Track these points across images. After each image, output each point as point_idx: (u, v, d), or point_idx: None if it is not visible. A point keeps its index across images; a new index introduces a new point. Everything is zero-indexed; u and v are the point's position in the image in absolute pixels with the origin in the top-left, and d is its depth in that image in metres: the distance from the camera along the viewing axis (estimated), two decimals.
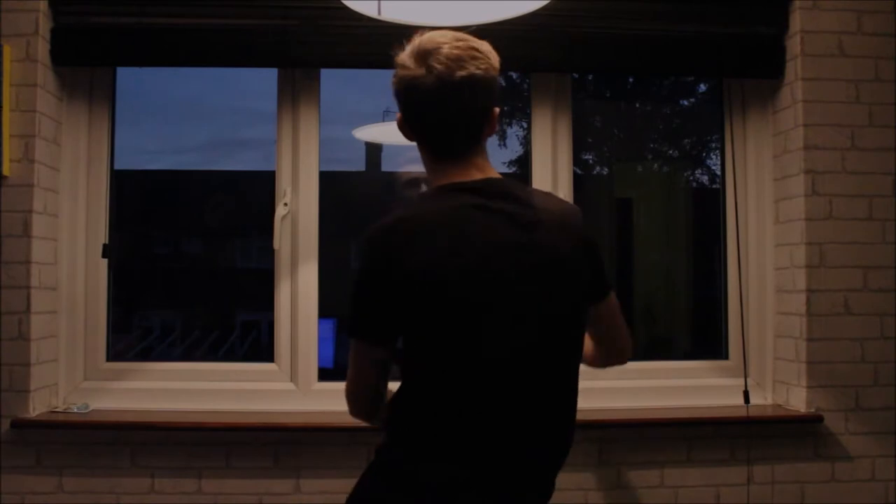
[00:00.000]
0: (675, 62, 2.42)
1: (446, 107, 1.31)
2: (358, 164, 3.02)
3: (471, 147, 1.36)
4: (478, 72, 1.30)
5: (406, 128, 1.38)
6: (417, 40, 1.33)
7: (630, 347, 1.57)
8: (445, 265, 1.26)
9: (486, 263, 1.28)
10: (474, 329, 1.28)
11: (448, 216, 1.30)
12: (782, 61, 2.37)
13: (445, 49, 1.29)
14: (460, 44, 1.31)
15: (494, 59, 1.34)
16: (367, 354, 1.34)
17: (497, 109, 1.38)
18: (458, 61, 1.29)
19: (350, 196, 2.46)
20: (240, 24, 2.29)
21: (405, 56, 1.33)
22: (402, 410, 1.35)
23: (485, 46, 1.33)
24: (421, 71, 1.30)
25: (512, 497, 1.32)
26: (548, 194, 1.46)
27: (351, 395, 1.39)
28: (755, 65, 2.40)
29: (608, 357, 1.58)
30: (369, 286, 1.31)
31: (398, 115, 1.38)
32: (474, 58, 1.30)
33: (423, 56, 1.30)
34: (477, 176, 1.35)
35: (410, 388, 1.34)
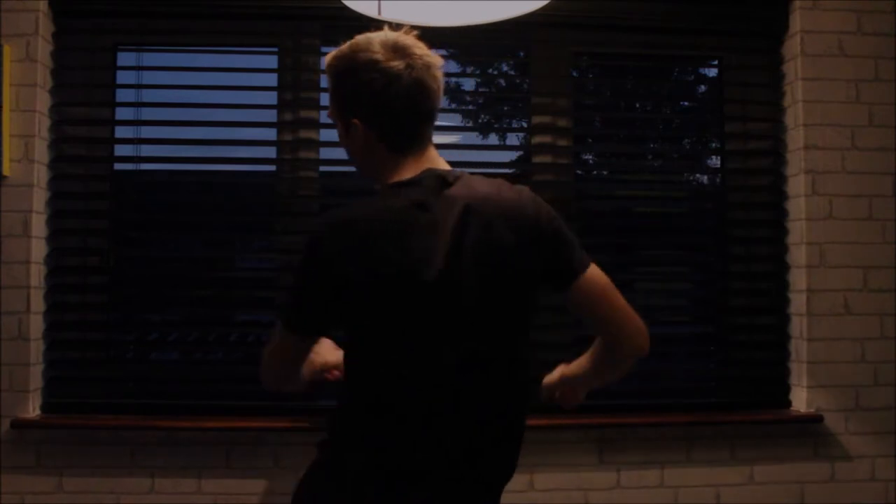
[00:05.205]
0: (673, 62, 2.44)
1: (423, 99, 1.34)
2: None
3: (428, 139, 1.39)
4: (440, 73, 1.36)
5: (355, 119, 1.34)
6: (388, 35, 1.35)
7: (642, 331, 1.37)
8: (384, 270, 1.25)
9: (423, 267, 1.25)
10: (411, 334, 1.28)
11: (391, 219, 1.28)
12: (781, 62, 2.37)
13: (418, 49, 1.34)
14: (424, 46, 1.36)
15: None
16: (295, 343, 1.36)
17: None
18: (428, 61, 1.34)
19: (349, 196, 2.46)
20: (242, 24, 2.32)
21: (374, 44, 1.33)
22: (346, 409, 1.37)
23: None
24: (400, 64, 1.31)
25: (457, 494, 1.31)
26: (495, 183, 1.38)
27: (268, 369, 1.41)
28: (754, 66, 2.40)
29: (617, 350, 1.40)
30: (308, 283, 1.31)
31: (331, 106, 1.39)
32: (437, 60, 1.36)
33: (399, 50, 1.32)
34: (425, 166, 1.35)
35: (353, 387, 1.35)
